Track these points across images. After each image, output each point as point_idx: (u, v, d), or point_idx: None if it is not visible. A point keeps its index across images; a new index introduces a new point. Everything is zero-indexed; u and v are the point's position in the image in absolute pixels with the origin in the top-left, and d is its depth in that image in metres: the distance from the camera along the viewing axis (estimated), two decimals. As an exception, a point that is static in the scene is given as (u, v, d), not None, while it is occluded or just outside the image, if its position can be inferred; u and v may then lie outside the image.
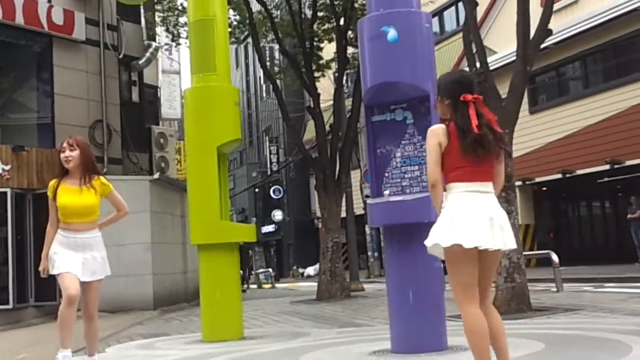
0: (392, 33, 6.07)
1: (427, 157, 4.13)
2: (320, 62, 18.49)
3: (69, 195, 5.65)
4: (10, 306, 15.29)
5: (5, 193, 15.51)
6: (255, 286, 29.47)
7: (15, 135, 16.70)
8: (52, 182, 5.79)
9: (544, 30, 9.78)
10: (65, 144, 5.68)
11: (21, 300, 15.60)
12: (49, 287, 15.85)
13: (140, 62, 19.65)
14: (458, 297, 4.04)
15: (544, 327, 7.45)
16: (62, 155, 5.69)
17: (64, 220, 5.69)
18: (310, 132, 31.61)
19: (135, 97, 20.02)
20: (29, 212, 16.14)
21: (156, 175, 17.60)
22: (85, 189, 5.63)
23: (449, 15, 28.53)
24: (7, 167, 15.78)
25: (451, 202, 4.05)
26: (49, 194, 5.78)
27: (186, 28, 19.68)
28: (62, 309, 5.79)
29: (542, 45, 10.52)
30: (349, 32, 17.04)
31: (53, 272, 5.74)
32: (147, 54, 19.81)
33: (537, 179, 22.83)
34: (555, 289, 12.75)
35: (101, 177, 5.75)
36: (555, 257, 12.99)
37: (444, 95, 4.21)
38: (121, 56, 18.73)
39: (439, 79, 4.38)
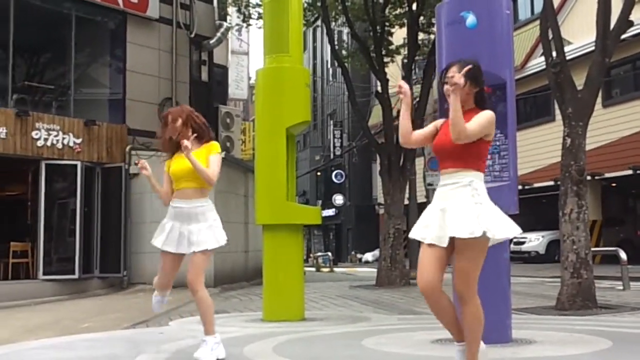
0: (471, 18, 5.95)
1: (480, 123, 4.00)
2: (390, 47, 18.35)
3: (177, 161, 5.42)
4: (76, 276, 15.71)
5: (76, 166, 15.89)
6: (313, 269, 29.58)
7: (87, 110, 17.06)
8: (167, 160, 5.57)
9: (625, 21, 9.49)
10: (167, 118, 5.48)
11: (87, 271, 16.01)
12: (113, 260, 16.25)
13: (211, 41, 19.82)
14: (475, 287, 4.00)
15: (611, 324, 7.29)
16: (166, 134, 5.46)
17: (176, 187, 5.41)
18: (375, 118, 31.47)
19: (204, 76, 20.23)
20: (98, 185, 16.52)
21: (222, 155, 17.74)
22: (197, 153, 5.32)
23: (523, 3, 27.91)
24: (79, 141, 16.14)
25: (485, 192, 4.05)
26: (165, 166, 5.56)
27: (257, 9, 19.78)
28: None
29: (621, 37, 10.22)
30: (421, 18, 16.87)
31: (152, 241, 5.44)
32: (218, 34, 19.96)
33: (607, 175, 22.31)
34: (621, 287, 12.46)
35: (211, 142, 5.48)
36: (623, 255, 12.69)
37: (474, 82, 4.09)
38: (193, 35, 18.93)
39: (467, 62, 4.14)
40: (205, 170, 5.25)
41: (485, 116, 4.02)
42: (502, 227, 3.97)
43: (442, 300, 4.01)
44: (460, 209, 3.91)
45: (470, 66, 4.06)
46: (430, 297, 4.00)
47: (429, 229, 4.00)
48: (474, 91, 4.09)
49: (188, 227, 5.27)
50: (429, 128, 4.28)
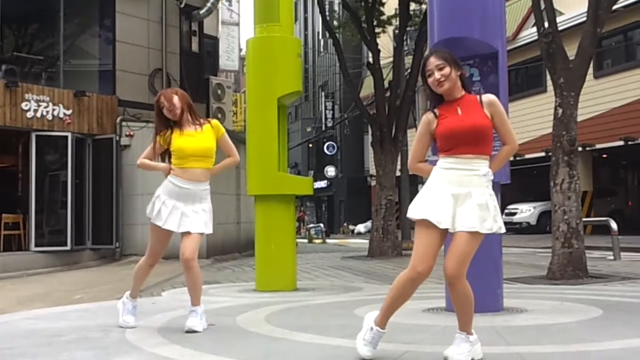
0: (463, -13, 5.91)
1: (508, 120, 4.16)
2: (382, 17, 18.24)
3: (184, 138, 5.30)
4: (68, 248, 15.70)
5: (66, 137, 15.82)
6: (305, 241, 29.66)
7: (76, 81, 16.94)
8: (161, 134, 5.36)
9: (617, -9, 9.46)
10: (161, 99, 5.28)
11: (79, 243, 16.01)
12: (106, 231, 16.24)
13: (201, 12, 19.66)
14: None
15: (601, 293, 7.34)
16: (164, 110, 5.27)
17: (181, 164, 5.29)
18: (367, 89, 31.38)
19: (195, 47, 20.09)
20: (89, 156, 16.46)
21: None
22: (203, 133, 5.32)
23: (515, -27, 27.81)
24: (69, 112, 16.05)
25: None
26: (159, 140, 5.35)
27: (248, -21, 19.60)
28: (140, 261, 5.59)
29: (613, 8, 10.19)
30: (413, -13, 16.77)
31: (152, 219, 5.36)
32: (208, 4, 19.79)
33: (598, 146, 22.35)
34: (612, 257, 12.54)
35: (215, 121, 5.47)
36: (614, 225, 12.76)
37: (457, 65, 4.08)
38: (182, 5, 18.77)
39: (443, 51, 4.21)
40: (230, 161, 5.58)
41: (503, 110, 4.17)
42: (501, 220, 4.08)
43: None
44: (479, 202, 3.92)
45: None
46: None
47: (442, 213, 3.93)
48: (458, 74, 4.07)
49: (192, 207, 5.29)
50: (425, 137, 4.14)
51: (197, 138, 5.30)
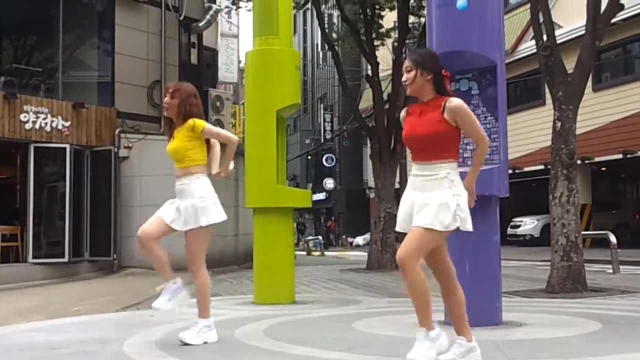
0: (461, 1, 5.93)
1: (476, 124, 4.07)
2: (381, 30, 18.28)
3: (171, 141, 5.44)
4: (65, 260, 15.64)
5: (65, 149, 15.79)
6: (304, 253, 29.59)
7: (75, 93, 16.94)
8: None
9: (616, 5, 9.49)
10: (166, 91, 5.53)
11: (77, 255, 15.95)
12: (103, 243, 16.20)
13: (200, 24, 19.71)
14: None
15: (601, 307, 7.32)
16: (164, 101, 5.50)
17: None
18: (365, 102, 31.42)
19: (193, 59, 20.12)
20: (87, 168, 16.42)
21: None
22: (179, 133, 5.36)
23: (514, -14, 27.92)
24: (67, 124, 16.04)
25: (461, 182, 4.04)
26: None
27: (247, -9, 19.65)
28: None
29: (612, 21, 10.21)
30: (411, 0, 16.80)
31: None
32: (207, 16, 19.85)
33: (597, 159, 22.36)
34: (611, 271, 12.52)
35: (193, 119, 5.36)
36: (613, 238, 12.75)
37: (426, 69, 4.06)
38: (182, 17, 18.80)
39: (417, 52, 4.27)
40: (227, 149, 5.53)
41: (469, 112, 4.04)
42: (469, 219, 4.02)
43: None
44: (440, 202, 3.92)
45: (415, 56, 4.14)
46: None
47: (403, 220, 4.13)
48: (428, 78, 4.06)
49: (181, 204, 5.28)
50: None
51: (174, 140, 5.39)
